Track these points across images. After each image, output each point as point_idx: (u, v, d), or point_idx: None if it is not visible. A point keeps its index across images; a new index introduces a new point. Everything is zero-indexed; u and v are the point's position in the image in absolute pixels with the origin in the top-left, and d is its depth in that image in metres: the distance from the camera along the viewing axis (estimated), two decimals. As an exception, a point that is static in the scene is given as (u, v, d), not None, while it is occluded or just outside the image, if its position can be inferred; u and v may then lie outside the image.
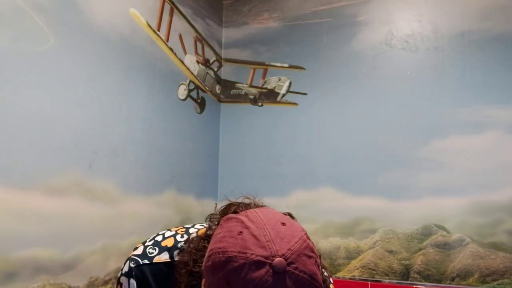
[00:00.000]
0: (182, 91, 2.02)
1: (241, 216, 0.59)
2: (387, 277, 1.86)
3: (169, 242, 0.72)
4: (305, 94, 2.16)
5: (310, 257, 0.54)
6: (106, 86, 1.55)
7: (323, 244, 2.00)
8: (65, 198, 1.35)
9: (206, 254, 0.58)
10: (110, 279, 1.52)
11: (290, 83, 2.20)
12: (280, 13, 2.28)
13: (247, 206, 0.65)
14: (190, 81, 2.08)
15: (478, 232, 1.74)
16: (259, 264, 0.51)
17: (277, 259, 0.51)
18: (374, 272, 1.88)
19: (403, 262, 1.85)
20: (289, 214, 0.66)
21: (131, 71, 1.68)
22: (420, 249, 1.83)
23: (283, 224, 0.57)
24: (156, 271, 0.69)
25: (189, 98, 2.07)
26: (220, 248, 0.55)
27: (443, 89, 1.87)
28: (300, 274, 0.52)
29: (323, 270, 0.67)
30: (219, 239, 0.56)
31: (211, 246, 0.57)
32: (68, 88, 1.39)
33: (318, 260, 0.57)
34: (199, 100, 2.16)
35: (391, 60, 1.99)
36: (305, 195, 2.05)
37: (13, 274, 1.18)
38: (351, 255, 1.95)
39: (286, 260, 0.52)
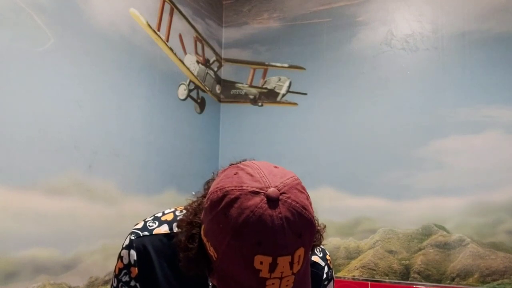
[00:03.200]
0: (182, 91, 2.02)
1: (236, 164, 0.63)
2: (387, 277, 1.86)
3: (169, 217, 0.75)
4: (305, 94, 2.16)
5: (301, 192, 0.58)
6: (106, 86, 1.55)
7: (323, 244, 1.99)
8: (65, 198, 1.35)
9: (206, 200, 0.60)
10: (110, 279, 1.51)
11: (290, 83, 2.20)
12: (280, 13, 2.28)
13: (244, 161, 0.67)
14: (190, 81, 2.08)
15: (478, 232, 1.74)
16: (254, 194, 0.54)
17: (271, 189, 0.55)
18: (374, 272, 1.89)
19: (403, 262, 1.85)
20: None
21: (131, 71, 1.68)
22: (420, 249, 1.83)
23: (276, 167, 0.61)
24: (156, 242, 0.71)
25: (189, 98, 2.07)
26: (217, 187, 0.58)
27: (443, 89, 1.87)
28: (293, 202, 0.55)
29: (316, 221, 0.70)
30: (216, 183, 0.59)
31: (209, 192, 0.60)
32: (68, 88, 1.39)
33: (310, 200, 0.60)
34: (199, 100, 2.16)
35: (391, 60, 1.99)
36: (305, 195, 2.05)
37: (13, 274, 1.18)
38: (351, 255, 1.95)
39: (279, 190, 0.55)
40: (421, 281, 1.80)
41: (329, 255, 0.81)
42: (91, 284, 1.44)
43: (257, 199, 0.53)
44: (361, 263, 1.92)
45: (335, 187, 2.01)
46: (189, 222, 0.64)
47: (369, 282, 1.88)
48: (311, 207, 0.58)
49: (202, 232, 0.61)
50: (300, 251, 0.54)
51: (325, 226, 0.73)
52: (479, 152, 1.77)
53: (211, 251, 0.58)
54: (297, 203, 0.55)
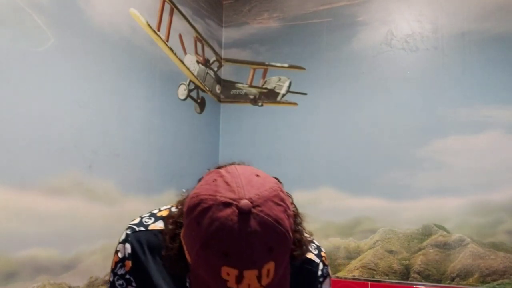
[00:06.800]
0: (182, 91, 2.02)
1: (220, 169, 0.62)
2: (387, 277, 1.86)
3: (164, 213, 0.76)
4: (305, 94, 2.16)
5: (278, 204, 0.56)
6: (106, 86, 1.55)
7: (323, 244, 1.98)
8: (65, 198, 1.35)
9: (185, 203, 0.62)
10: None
11: (290, 83, 2.20)
12: (280, 13, 2.28)
13: (231, 164, 0.67)
14: (190, 81, 2.08)
15: (478, 232, 1.74)
16: (226, 205, 0.54)
17: (243, 201, 0.54)
18: (374, 272, 1.89)
19: (403, 262, 1.85)
20: (277, 179, 0.67)
21: (131, 71, 1.68)
22: (420, 249, 1.83)
23: (257, 175, 0.60)
24: (150, 237, 0.73)
25: (189, 98, 2.07)
26: (195, 193, 0.58)
27: (443, 89, 1.86)
28: (265, 216, 0.54)
29: (303, 229, 0.70)
30: (196, 188, 0.60)
31: (188, 196, 0.61)
32: (68, 88, 1.39)
33: (289, 212, 0.59)
34: (199, 100, 2.16)
35: (391, 60, 1.99)
36: (305, 195, 2.05)
37: (13, 274, 1.18)
38: (351, 255, 1.95)
39: (252, 203, 0.54)
40: (421, 281, 1.80)
41: (324, 252, 0.81)
42: (91, 284, 1.44)
43: (228, 211, 0.53)
44: (361, 263, 1.92)
45: (335, 187, 2.01)
46: (174, 222, 0.67)
47: (369, 282, 1.88)
48: (289, 220, 0.57)
49: (181, 234, 0.62)
50: (270, 265, 0.54)
51: (311, 234, 0.73)
52: (479, 152, 1.77)
53: (187, 253, 0.60)
54: (270, 216, 0.54)
